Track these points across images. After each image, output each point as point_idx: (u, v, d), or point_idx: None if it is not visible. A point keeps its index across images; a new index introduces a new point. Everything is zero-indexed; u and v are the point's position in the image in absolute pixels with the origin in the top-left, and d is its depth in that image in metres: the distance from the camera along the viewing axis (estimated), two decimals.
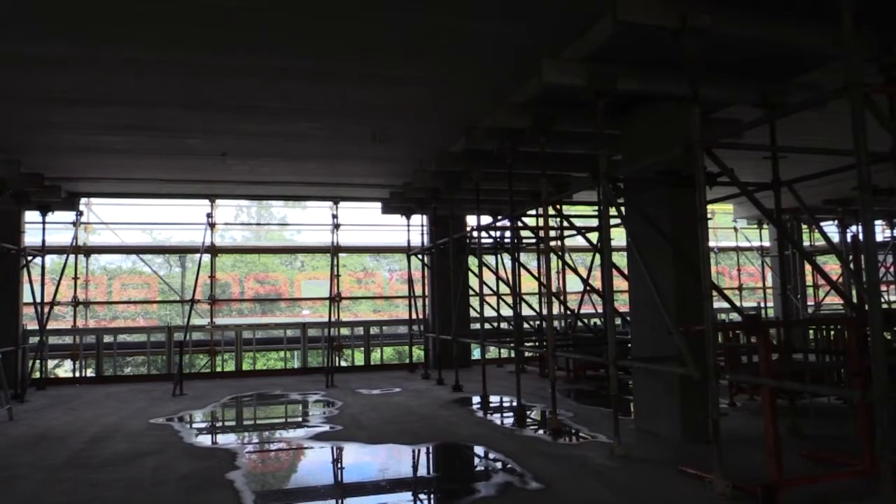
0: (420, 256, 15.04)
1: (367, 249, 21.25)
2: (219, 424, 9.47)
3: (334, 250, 15.64)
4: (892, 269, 15.59)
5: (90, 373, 14.65)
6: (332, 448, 7.46)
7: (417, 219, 15.04)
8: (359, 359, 16.65)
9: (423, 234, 14.99)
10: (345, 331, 16.50)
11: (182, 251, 19.94)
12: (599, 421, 8.27)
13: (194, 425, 9.13)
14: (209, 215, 15.24)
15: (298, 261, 28.66)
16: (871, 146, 4.09)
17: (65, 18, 5.97)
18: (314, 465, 6.97)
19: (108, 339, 15.28)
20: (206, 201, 15.26)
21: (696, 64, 5.45)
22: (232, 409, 10.53)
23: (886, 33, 5.83)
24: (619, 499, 5.19)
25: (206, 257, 15.47)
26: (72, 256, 14.67)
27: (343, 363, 16.46)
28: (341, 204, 15.96)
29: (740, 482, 5.02)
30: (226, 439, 8.28)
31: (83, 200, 14.84)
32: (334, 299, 15.17)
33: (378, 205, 15.54)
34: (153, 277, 22.62)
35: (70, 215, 14.55)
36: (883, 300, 13.42)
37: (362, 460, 7.04)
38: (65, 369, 16.99)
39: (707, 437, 5.33)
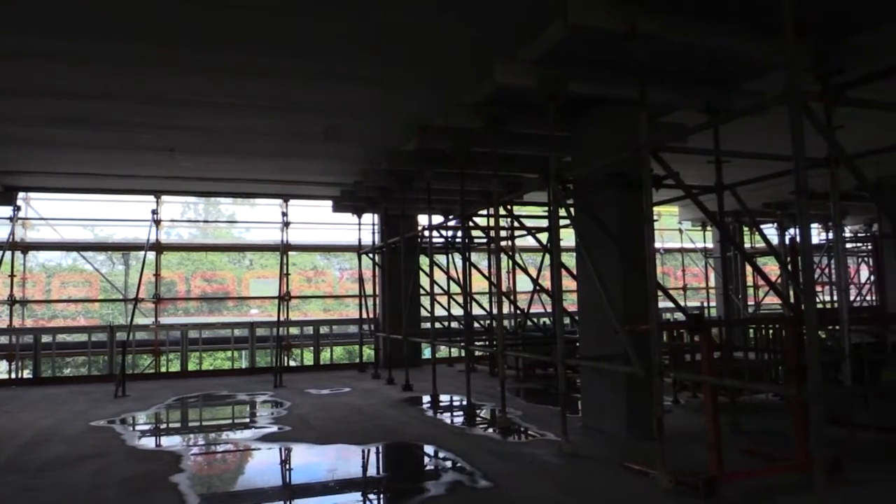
0: (371, 255, 14.97)
1: (317, 248, 21.07)
2: (163, 426, 9.25)
3: (284, 249, 15.43)
4: (827, 271, 16.18)
5: (27, 374, 14.13)
6: (281, 449, 7.37)
7: (368, 217, 14.98)
8: (308, 359, 16.48)
9: (374, 232, 14.93)
10: (294, 330, 16.30)
11: (126, 248, 19.37)
12: (548, 419, 8.37)
13: (137, 427, 8.90)
14: (154, 212, 14.88)
15: (247, 259, 28.18)
16: (808, 152, 4.25)
17: (7, 8, 5.75)
18: (262, 466, 6.87)
19: (46, 338, 14.78)
20: (152, 197, 14.90)
21: (644, 68, 5.57)
22: (177, 411, 10.30)
23: (824, 43, 6.06)
24: (567, 496, 5.27)
25: (151, 255, 15.10)
26: (8, 253, 14.12)
27: (292, 363, 16.26)
28: (291, 202, 15.76)
29: (683, 477, 5.15)
30: (170, 441, 8.09)
31: (21, 195, 14.31)
32: (283, 298, 14.97)
33: (329, 203, 15.42)
34: (95, 275, 21.96)
35: (6, 210, 14.01)
36: (818, 300, 13.94)
37: (311, 461, 6.97)
38: (0, 370, 16.35)
39: (651, 434, 5.46)
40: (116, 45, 6.60)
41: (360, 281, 15.32)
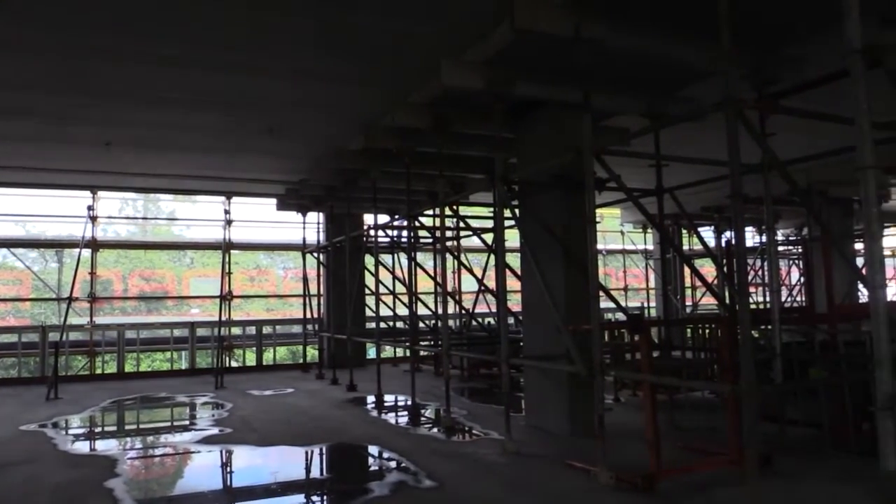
0: (316, 255, 14.82)
1: (260, 247, 20.73)
2: (98, 430, 8.96)
3: (226, 247, 15.13)
4: (760, 273, 16.76)
5: None
6: (222, 451, 7.23)
7: (314, 216, 14.83)
8: (251, 359, 16.21)
9: (319, 231, 14.79)
10: (236, 330, 16.00)
11: (59, 245, 18.66)
12: (492, 418, 8.44)
13: (70, 431, 8.60)
14: (90, 208, 14.37)
15: (187, 257, 27.54)
16: (744, 158, 4.40)
17: None
18: (202, 469, 6.72)
19: None
20: (88, 193, 14.40)
21: (588, 73, 5.68)
22: (113, 414, 9.99)
23: (759, 54, 6.28)
24: (509, 494, 5.33)
25: (86, 252, 14.58)
26: None
27: (234, 364, 15.97)
28: (234, 199, 15.45)
29: (623, 473, 5.27)
30: (106, 445, 7.85)
31: None
32: (225, 298, 14.67)
33: (273, 201, 15.18)
34: (26, 273, 21.12)
35: None
36: (751, 301, 14.44)
37: (253, 463, 6.86)
38: None
39: (593, 432, 5.57)
40: (52, 33, 6.36)
41: (305, 280, 15.15)
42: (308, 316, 15.02)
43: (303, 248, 14.99)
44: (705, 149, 6.67)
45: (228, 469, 6.76)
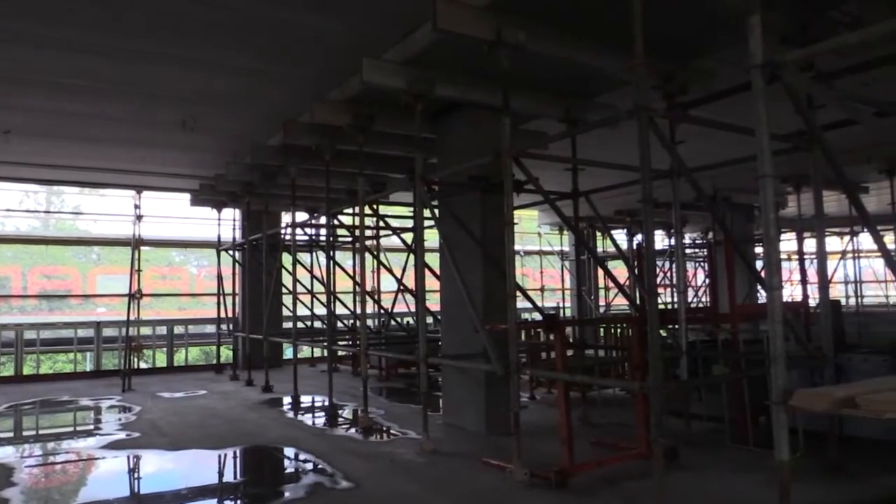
0: (231, 252, 14.44)
1: (173, 243, 20.07)
2: None
3: (136, 243, 14.50)
4: (668, 274, 17.44)
5: None
6: (129, 457, 6.94)
7: (229, 213, 14.44)
8: (161, 360, 15.64)
9: (234, 228, 14.42)
10: (146, 330, 15.39)
11: None
12: (410, 417, 8.46)
13: None
14: None
15: (94, 253, 26.27)
16: (654, 164, 4.58)
17: None
18: (107, 476, 6.43)
19: None
20: None
21: (508, 77, 5.77)
22: (9, 419, 9.41)
23: (670, 65, 6.55)
24: (426, 492, 5.36)
25: None
26: None
27: (143, 365, 15.35)
28: (145, 193, 14.79)
29: (537, 469, 5.39)
30: (2, 453, 7.38)
31: None
32: (134, 296, 14.07)
33: (187, 196, 14.69)
34: None
35: None
36: (660, 301, 15.01)
37: (163, 468, 6.62)
38: None
39: (509, 430, 5.67)
40: None
41: (219, 278, 14.72)
42: (222, 315, 14.61)
43: (218, 246, 14.57)
44: (619, 154, 6.91)
45: (136, 475, 6.50)
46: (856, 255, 17.20)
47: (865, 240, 17.28)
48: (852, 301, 17.12)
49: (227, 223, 14.42)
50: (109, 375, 13.65)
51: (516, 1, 5.53)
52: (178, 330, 15.83)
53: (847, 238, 16.04)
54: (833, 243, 17.65)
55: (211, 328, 16.22)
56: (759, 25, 3.61)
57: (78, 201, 25.77)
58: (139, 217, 14.66)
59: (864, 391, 3.11)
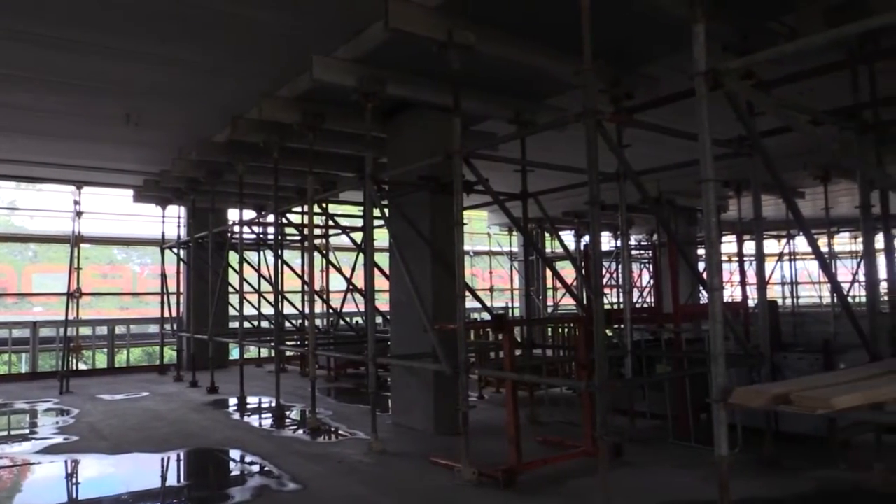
0: (175, 250, 14.11)
1: (115, 241, 19.47)
2: None
3: (75, 240, 14.05)
4: (615, 275, 17.77)
5: None
6: (66, 462, 6.71)
7: (174, 210, 14.10)
8: (101, 361, 15.17)
9: (179, 226, 14.08)
10: (85, 330, 14.91)
11: None
12: (358, 418, 8.41)
13: None
14: None
15: (30, 251, 25.28)
16: (601, 167, 4.67)
17: None
18: (43, 482, 6.20)
19: None
20: None
21: (459, 77, 5.80)
22: None
23: (618, 70, 6.68)
24: (374, 493, 5.34)
25: None
26: None
27: (83, 366, 14.87)
28: (86, 189, 14.34)
29: (485, 468, 5.43)
30: None
31: None
32: (73, 295, 13.62)
33: (130, 192, 14.28)
34: None
35: None
36: (606, 301, 15.26)
37: (103, 473, 6.43)
38: None
39: (458, 429, 5.69)
40: None
41: (163, 277, 14.37)
42: (166, 315, 14.27)
43: (162, 244, 14.21)
44: (568, 157, 7.01)
45: (74, 481, 6.30)
46: (792, 257, 17.82)
47: (801, 243, 17.90)
48: (788, 301, 17.73)
49: (171, 220, 14.08)
50: (46, 377, 13.18)
51: (468, 3, 5.56)
52: (120, 330, 15.39)
53: (784, 241, 16.59)
54: (771, 246, 18.26)
55: (154, 328, 15.81)
56: (703, 33, 3.71)
57: (13, 196, 24.74)
58: (79, 213, 14.21)
59: (798, 388, 3.23)
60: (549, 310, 19.19)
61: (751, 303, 9.04)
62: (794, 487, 5.20)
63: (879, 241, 6.00)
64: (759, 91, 5.14)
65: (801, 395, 3.11)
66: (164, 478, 6.37)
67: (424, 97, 7.24)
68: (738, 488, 3.82)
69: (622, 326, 7.17)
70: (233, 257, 12.38)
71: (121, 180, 13.89)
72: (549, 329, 10.45)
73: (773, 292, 19.30)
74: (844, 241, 21.67)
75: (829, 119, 5.48)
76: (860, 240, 9.96)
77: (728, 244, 19.37)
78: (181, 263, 14.34)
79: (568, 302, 19.93)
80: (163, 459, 6.76)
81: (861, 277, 10.98)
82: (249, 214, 12.39)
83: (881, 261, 5.96)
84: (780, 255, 17.73)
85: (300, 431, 7.95)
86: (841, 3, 5.14)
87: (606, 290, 16.82)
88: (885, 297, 5.70)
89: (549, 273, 18.45)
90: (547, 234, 19.03)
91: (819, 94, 6.95)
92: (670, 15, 4.76)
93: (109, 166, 12.75)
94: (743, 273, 11.01)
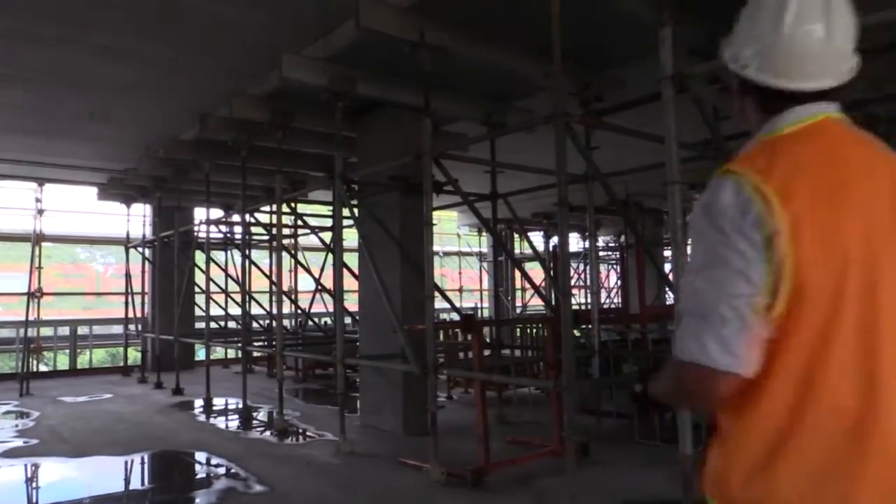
0: (140, 249, 13.87)
1: (77, 240, 19.06)
2: None
3: (36, 239, 13.74)
4: (583, 276, 17.93)
5: None
6: (26, 466, 6.56)
7: (139, 208, 13.87)
8: (63, 363, 14.85)
9: (144, 225, 13.85)
10: (46, 331, 14.59)
11: None
12: (327, 419, 8.36)
13: None
14: None
15: None
16: (570, 169, 4.71)
17: None
18: (1, 487, 6.05)
19: None
20: None
21: (430, 78, 5.80)
22: None
23: (586, 73, 6.74)
24: (342, 494, 5.32)
25: None
26: None
27: (43, 368, 14.55)
28: (47, 186, 14.04)
29: (454, 468, 5.44)
30: None
31: None
32: (34, 295, 13.33)
33: (94, 189, 14.01)
34: None
35: None
36: (574, 302, 15.40)
37: (64, 477, 6.30)
38: None
39: (426, 430, 5.69)
40: None
41: (128, 277, 14.11)
42: (131, 315, 14.02)
43: (126, 243, 13.95)
44: (537, 158, 7.05)
45: (34, 485, 6.16)
46: None
47: None
48: None
49: (136, 219, 13.83)
50: (5, 379, 12.83)
51: (439, 3, 5.56)
52: (83, 330, 15.09)
53: None
54: None
55: (118, 329, 15.53)
56: (670, 38, 3.77)
57: None
58: (40, 211, 13.92)
59: None
60: (518, 310, 19.27)
61: None
62: None
63: None
64: (725, 95, 5.23)
65: None
66: (127, 481, 6.26)
67: (395, 97, 7.23)
68: None
69: (590, 327, 7.25)
70: (199, 257, 12.23)
71: (85, 178, 13.58)
72: (518, 329, 10.49)
73: None
74: None
75: None
76: None
77: None
78: (146, 263, 14.10)
79: (536, 303, 20.02)
80: (126, 462, 6.65)
81: None
82: (217, 213, 12.24)
83: None
84: None
85: (267, 433, 7.88)
86: None
87: (574, 291, 16.95)
88: None
89: (518, 274, 18.52)
90: (516, 235, 19.10)
91: None
92: (639, 18, 4.82)
93: (73, 163, 12.46)
94: None
